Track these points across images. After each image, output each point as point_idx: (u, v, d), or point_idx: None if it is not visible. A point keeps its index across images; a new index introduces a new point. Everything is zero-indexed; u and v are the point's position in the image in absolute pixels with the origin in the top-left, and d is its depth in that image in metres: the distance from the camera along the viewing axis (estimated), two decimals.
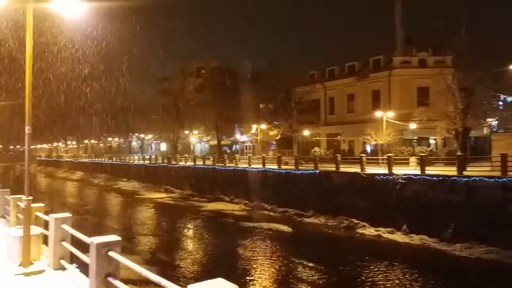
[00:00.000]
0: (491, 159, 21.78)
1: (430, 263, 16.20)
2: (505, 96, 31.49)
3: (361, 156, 25.77)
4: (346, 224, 22.80)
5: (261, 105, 47.08)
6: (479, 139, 35.78)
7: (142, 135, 65.11)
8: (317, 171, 27.52)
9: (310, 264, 16.13)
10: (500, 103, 32.76)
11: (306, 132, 41.00)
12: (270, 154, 36.69)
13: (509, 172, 18.48)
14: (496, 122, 33.21)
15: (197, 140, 54.59)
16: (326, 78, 43.34)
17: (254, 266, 16.37)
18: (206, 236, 22.79)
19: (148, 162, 50.40)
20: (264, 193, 30.41)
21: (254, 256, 17.76)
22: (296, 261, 16.73)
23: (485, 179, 18.59)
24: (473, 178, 19.00)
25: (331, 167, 27.47)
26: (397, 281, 14.13)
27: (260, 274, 15.42)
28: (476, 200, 18.42)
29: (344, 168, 26.52)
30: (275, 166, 31.60)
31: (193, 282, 3.27)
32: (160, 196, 39.19)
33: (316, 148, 38.88)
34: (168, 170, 44.10)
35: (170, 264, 16.74)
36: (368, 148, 35.72)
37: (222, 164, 37.79)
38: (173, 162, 44.55)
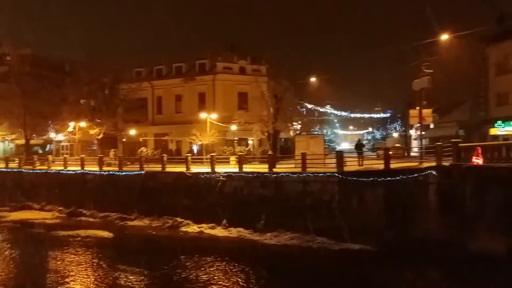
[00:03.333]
0: (294, 157, 25.25)
1: (244, 252, 17.76)
2: (307, 104, 37.29)
3: (187, 156, 26.43)
4: (171, 224, 23.00)
5: (82, 101, 42.99)
6: (288, 140, 41.16)
7: None
8: (142, 172, 26.89)
9: (132, 269, 15.61)
10: (304, 109, 38.54)
11: (133, 132, 39.50)
12: (111, 155, 33.94)
13: (307, 168, 21.73)
14: (300, 126, 38.97)
15: None
16: (153, 77, 42.59)
17: (64, 280, 14.78)
18: (6, 250, 19.48)
19: None
20: (83, 198, 28.05)
21: (65, 269, 16.04)
22: (116, 268, 15.93)
23: (290, 174, 21.44)
24: (281, 174, 21.69)
25: (157, 167, 27.26)
26: (214, 273, 15.00)
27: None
28: (283, 193, 21.05)
29: (171, 168, 26.70)
30: (96, 168, 29.40)
31: None
32: None
33: (143, 148, 37.85)
34: None
35: None
36: (195, 148, 36.78)
37: (31, 167, 32.99)
38: None
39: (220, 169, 24.25)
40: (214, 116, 32.63)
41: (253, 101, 31.11)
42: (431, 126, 37.09)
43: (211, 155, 25.43)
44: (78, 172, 29.55)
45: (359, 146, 25.49)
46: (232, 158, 28.20)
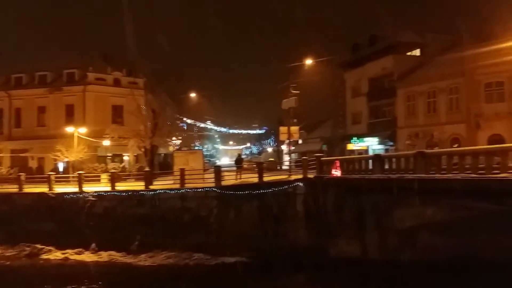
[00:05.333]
0: (173, 173, 24.80)
1: (114, 277, 16.62)
2: (187, 119, 37.18)
3: (50, 175, 23.82)
4: (29, 252, 20.33)
5: None
6: (167, 155, 40.27)
7: None
8: None
9: None
10: (184, 124, 38.31)
11: None
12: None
13: (186, 184, 21.53)
14: (180, 141, 38.54)
15: None
16: (11, 86, 37.62)
17: None
18: None
19: None
20: None
21: None
22: None
23: (168, 191, 20.94)
24: (158, 191, 21.04)
25: (13, 188, 23.96)
26: None
27: None
28: (160, 211, 20.40)
29: (30, 188, 23.74)
30: None
31: None
32: None
33: None
34: None
35: None
36: (61, 166, 33.35)
37: None
38: None
39: (90, 188, 22.42)
40: (83, 130, 30.16)
41: (129, 115, 29.71)
42: (300, 141, 40.56)
43: (78, 173, 23.33)
44: None
45: (239, 161, 26.37)
46: (104, 176, 26.34)
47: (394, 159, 16.46)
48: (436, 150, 20.18)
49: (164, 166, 35.42)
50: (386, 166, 16.30)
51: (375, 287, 14.07)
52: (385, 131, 32.68)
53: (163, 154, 38.97)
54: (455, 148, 22.89)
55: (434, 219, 14.49)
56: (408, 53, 35.38)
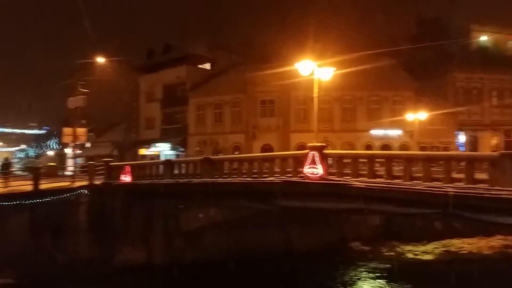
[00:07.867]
0: None
1: None
2: None
3: None
4: None
5: None
6: None
7: None
8: None
9: None
10: None
11: None
12: None
13: None
14: None
15: None
16: None
17: None
18: None
19: None
20: None
21: None
22: None
23: None
24: None
25: None
26: None
27: None
28: None
29: None
30: None
31: None
32: None
33: None
34: None
35: None
36: None
37: None
38: None
39: None
40: None
41: None
42: (88, 145, 37.54)
43: None
44: None
45: (6, 166, 22.37)
46: None
47: (183, 165, 17.20)
48: (220, 156, 22.11)
49: None
50: (176, 171, 16.87)
51: None
52: (177, 138, 33.85)
53: None
54: (236, 155, 25.77)
55: (216, 219, 15.92)
56: (200, 66, 37.81)
